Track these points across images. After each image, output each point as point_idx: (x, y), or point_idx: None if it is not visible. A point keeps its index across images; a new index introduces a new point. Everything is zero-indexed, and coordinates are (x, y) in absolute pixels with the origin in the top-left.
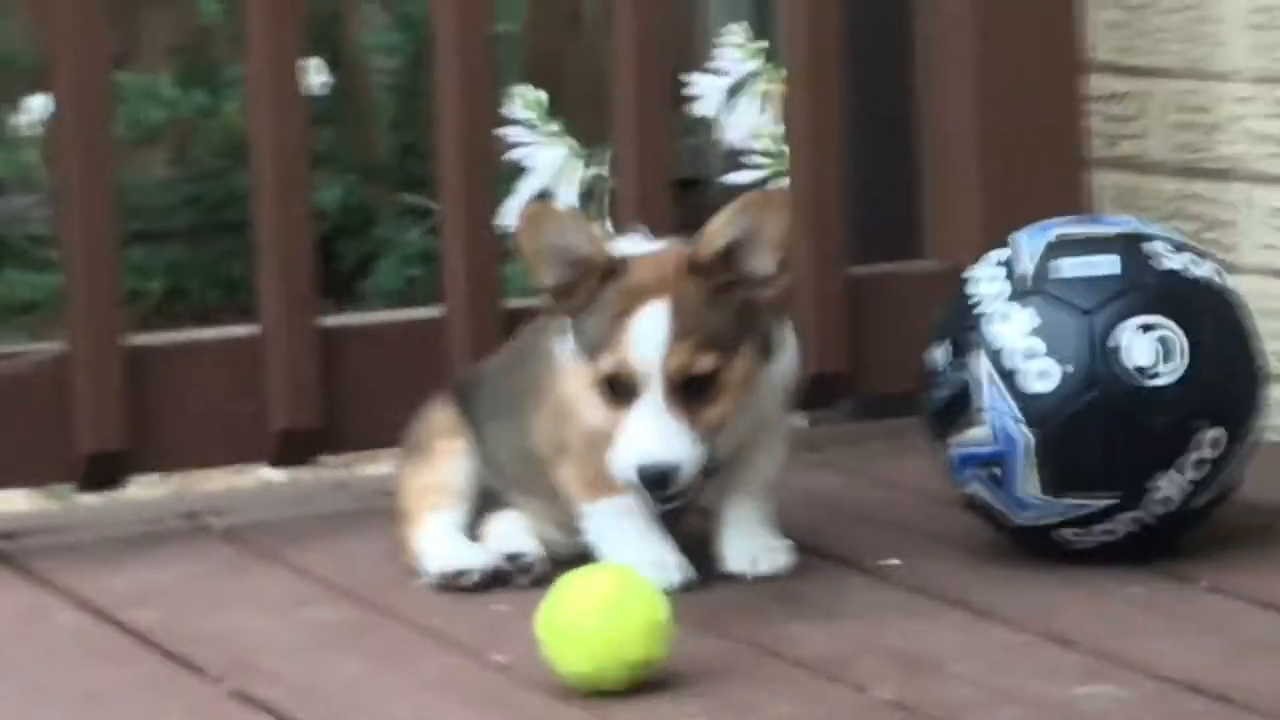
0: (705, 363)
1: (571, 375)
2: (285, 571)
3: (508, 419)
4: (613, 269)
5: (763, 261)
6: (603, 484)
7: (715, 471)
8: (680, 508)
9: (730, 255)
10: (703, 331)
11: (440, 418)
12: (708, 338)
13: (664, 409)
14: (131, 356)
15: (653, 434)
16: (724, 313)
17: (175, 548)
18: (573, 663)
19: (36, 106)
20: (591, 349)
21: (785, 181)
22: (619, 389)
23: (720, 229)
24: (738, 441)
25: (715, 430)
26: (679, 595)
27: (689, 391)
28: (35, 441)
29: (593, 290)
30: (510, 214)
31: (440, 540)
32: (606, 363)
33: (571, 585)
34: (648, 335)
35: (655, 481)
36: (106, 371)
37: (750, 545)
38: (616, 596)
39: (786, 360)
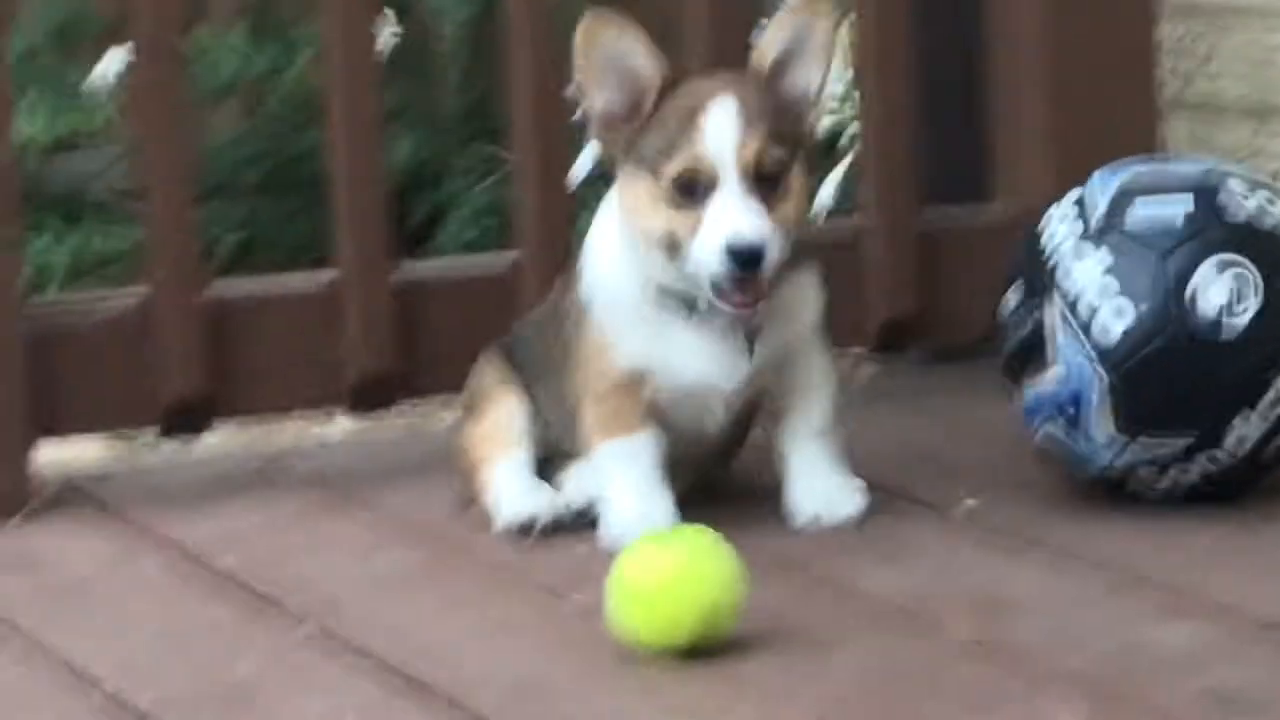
0: (776, 151)
1: (631, 192)
2: (364, 516)
3: (551, 377)
4: (672, 82)
5: (811, 74)
6: (614, 425)
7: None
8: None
9: (782, 71)
10: (773, 124)
11: (489, 371)
12: (777, 130)
13: (745, 194)
14: (212, 305)
15: (739, 215)
16: (784, 118)
17: (256, 493)
18: (643, 627)
19: (107, 65)
20: (657, 157)
21: (855, 128)
22: (693, 188)
23: (771, 38)
24: (777, 347)
25: (787, 229)
26: (752, 539)
27: (763, 181)
28: (117, 388)
29: (652, 105)
30: (577, 172)
31: (509, 485)
32: (678, 161)
33: (641, 549)
34: (721, 126)
35: (746, 260)
36: (188, 319)
37: (822, 490)
38: (687, 561)
39: (815, 293)
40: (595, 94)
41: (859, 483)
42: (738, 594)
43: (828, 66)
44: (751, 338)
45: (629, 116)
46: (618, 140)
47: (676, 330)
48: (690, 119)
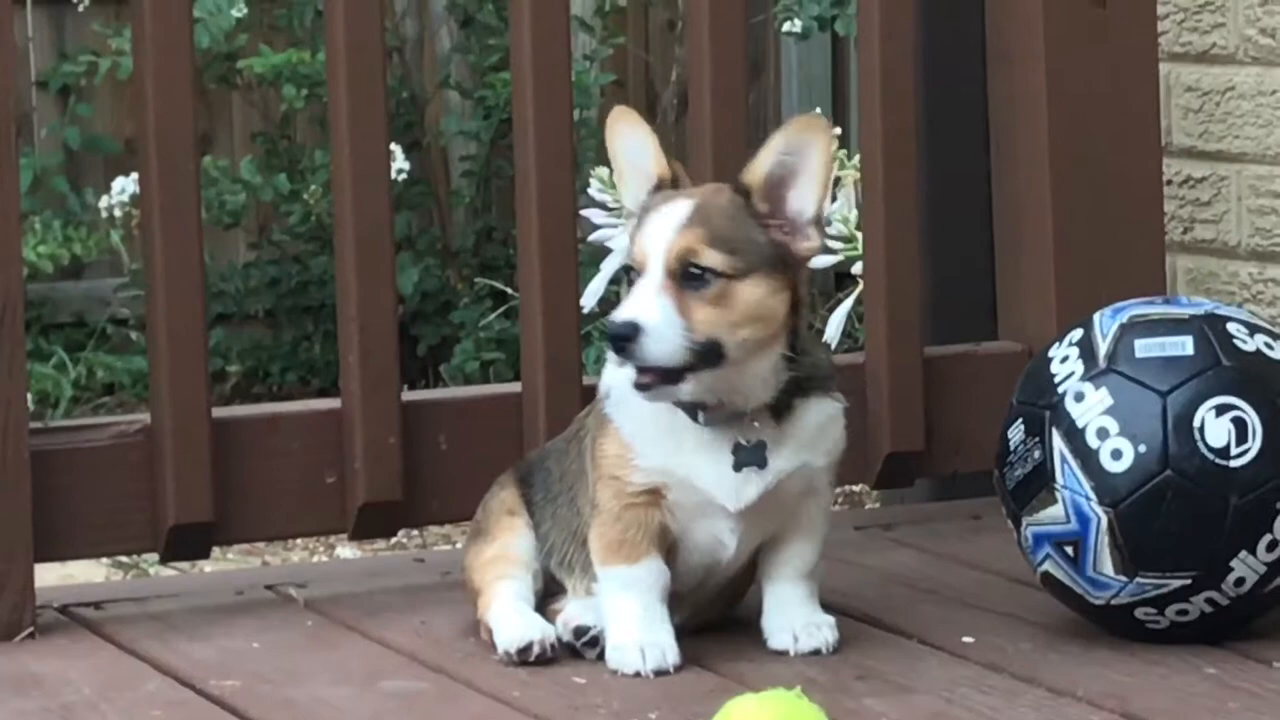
0: (709, 255)
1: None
2: (365, 643)
3: (563, 499)
4: (671, 183)
5: (806, 197)
6: (623, 551)
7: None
8: (652, 387)
9: (775, 189)
10: (719, 232)
11: (502, 497)
12: (722, 238)
13: (656, 285)
14: (216, 431)
15: (633, 300)
16: (752, 233)
17: (257, 618)
18: None
19: (120, 190)
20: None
21: (859, 266)
22: (633, 277)
23: (765, 152)
24: (794, 464)
25: (706, 334)
26: (748, 670)
27: (687, 279)
28: (120, 513)
29: (646, 200)
30: (590, 296)
31: (508, 614)
32: (630, 254)
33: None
34: (661, 223)
35: (615, 338)
36: (193, 444)
37: (793, 622)
38: None
39: (839, 430)
40: (626, 191)
41: (830, 619)
42: None
43: (824, 189)
44: (757, 455)
45: None
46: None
47: (688, 444)
48: (647, 214)
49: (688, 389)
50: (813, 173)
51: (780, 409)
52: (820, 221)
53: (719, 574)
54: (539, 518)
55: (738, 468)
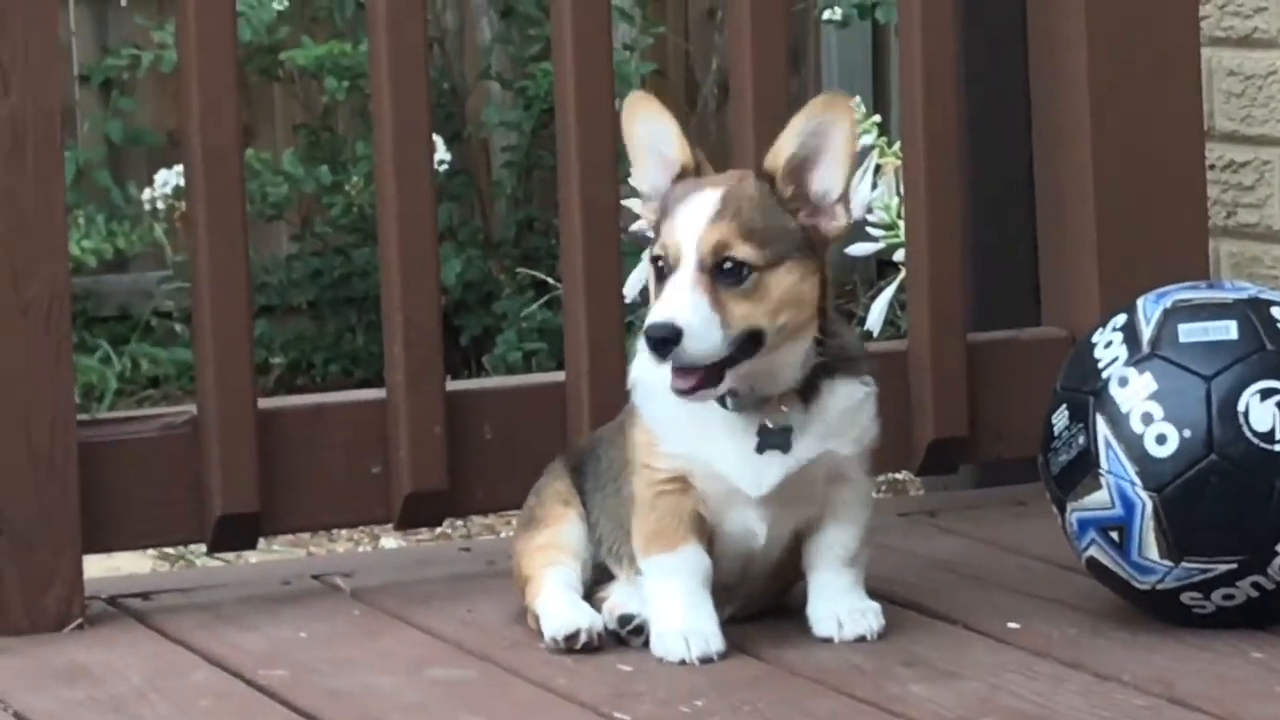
0: (743, 249)
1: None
2: (412, 632)
3: (611, 489)
4: (695, 170)
5: (831, 177)
6: (661, 539)
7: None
8: (696, 389)
9: (798, 172)
10: (750, 224)
11: (556, 486)
12: (753, 230)
13: (691, 282)
14: (261, 422)
15: (669, 299)
16: (781, 222)
17: (304, 608)
18: None
19: (163, 182)
20: (651, 240)
21: (901, 253)
22: (664, 270)
23: (788, 135)
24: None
25: (743, 327)
26: (797, 656)
27: (720, 274)
28: (166, 504)
29: (668, 190)
30: (631, 286)
31: (556, 602)
32: (657, 245)
33: None
34: (692, 215)
35: (656, 343)
36: (238, 435)
37: (837, 609)
38: None
39: (868, 418)
40: (639, 174)
41: (875, 606)
42: None
43: (850, 168)
44: (782, 439)
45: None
46: (653, 223)
47: (713, 430)
48: (675, 205)
49: (727, 385)
50: (836, 152)
51: (808, 391)
52: (847, 200)
53: (758, 564)
54: (590, 507)
55: (761, 449)
